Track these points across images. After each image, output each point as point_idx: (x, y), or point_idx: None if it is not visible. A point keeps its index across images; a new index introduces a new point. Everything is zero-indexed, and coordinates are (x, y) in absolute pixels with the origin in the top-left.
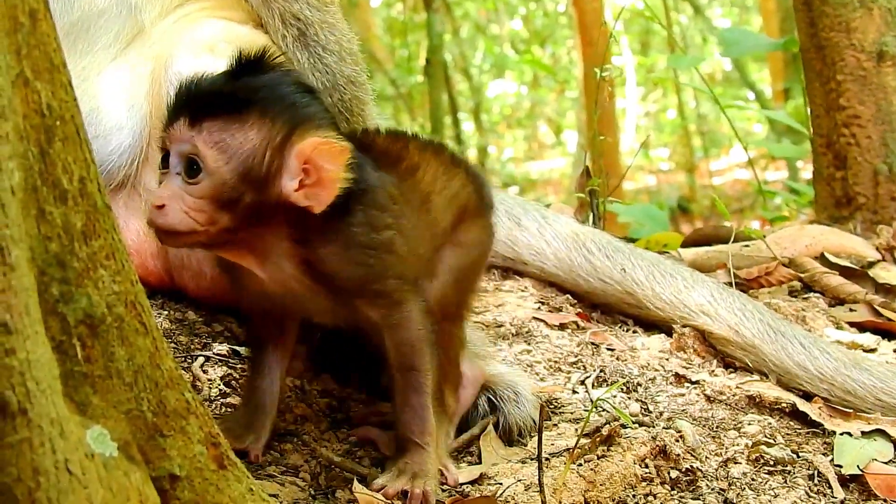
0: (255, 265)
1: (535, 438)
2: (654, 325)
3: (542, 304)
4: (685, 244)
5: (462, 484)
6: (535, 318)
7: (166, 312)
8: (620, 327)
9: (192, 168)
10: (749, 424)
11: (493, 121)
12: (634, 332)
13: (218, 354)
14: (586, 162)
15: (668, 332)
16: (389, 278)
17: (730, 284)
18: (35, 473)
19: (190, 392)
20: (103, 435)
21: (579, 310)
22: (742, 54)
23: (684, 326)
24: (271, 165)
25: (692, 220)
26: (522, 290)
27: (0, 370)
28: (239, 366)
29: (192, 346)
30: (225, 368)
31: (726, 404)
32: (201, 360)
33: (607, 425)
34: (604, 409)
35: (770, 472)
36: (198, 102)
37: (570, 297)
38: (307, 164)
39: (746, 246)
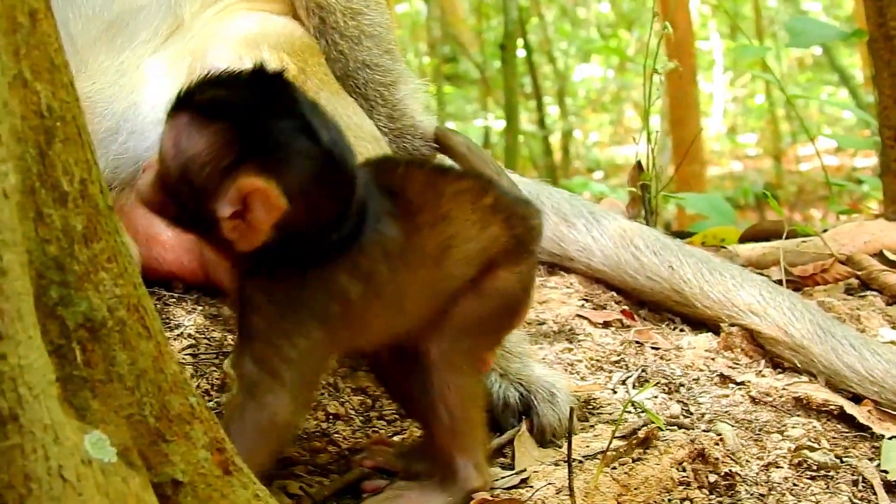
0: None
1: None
2: (702, 323)
3: (587, 301)
4: (743, 239)
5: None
6: (578, 315)
7: (201, 308)
8: (667, 325)
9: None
10: (793, 427)
11: (579, 105)
12: (681, 330)
13: None
14: (650, 149)
15: (716, 331)
16: (261, 356)
17: (781, 282)
18: (26, 480)
19: (195, 396)
20: (102, 440)
21: (625, 307)
22: (810, 45)
23: (732, 325)
24: (209, 180)
25: (779, 206)
26: (568, 287)
27: None
28: None
29: (226, 343)
30: None
31: (772, 406)
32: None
33: (644, 427)
34: (643, 410)
35: (812, 478)
36: (189, 92)
37: (616, 295)
38: (247, 199)
39: (804, 242)
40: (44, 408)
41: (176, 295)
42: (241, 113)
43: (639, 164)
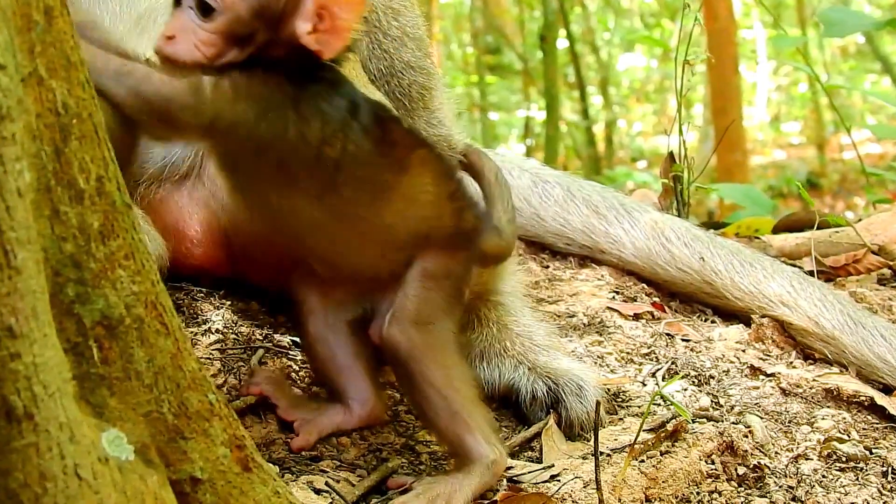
0: None
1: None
2: (733, 315)
3: (617, 293)
4: (776, 229)
5: (518, 476)
6: (608, 307)
7: (229, 302)
8: (699, 317)
9: (206, 4)
10: (823, 419)
11: (623, 94)
12: (713, 322)
13: (278, 346)
14: (682, 140)
15: (747, 323)
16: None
17: (812, 273)
18: (42, 478)
19: (214, 393)
20: (119, 438)
21: (655, 299)
22: (845, 34)
23: (763, 317)
24: (287, 4)
25: (822, 195)
26: (599, 279)
27: (5, 375)
28: (299, 357)
29: (254, 338)
30: (284, 360)
31: (802, 398)
32: (261, 352)
33: (673, 420)
34: (671, 403)
35: (842, 469)
36: None
37: (647, 287)
38: (322, 9)
39: (836, 232)
40: (59, 406)
41: (204, 290)
42: None
43: (671, 154)
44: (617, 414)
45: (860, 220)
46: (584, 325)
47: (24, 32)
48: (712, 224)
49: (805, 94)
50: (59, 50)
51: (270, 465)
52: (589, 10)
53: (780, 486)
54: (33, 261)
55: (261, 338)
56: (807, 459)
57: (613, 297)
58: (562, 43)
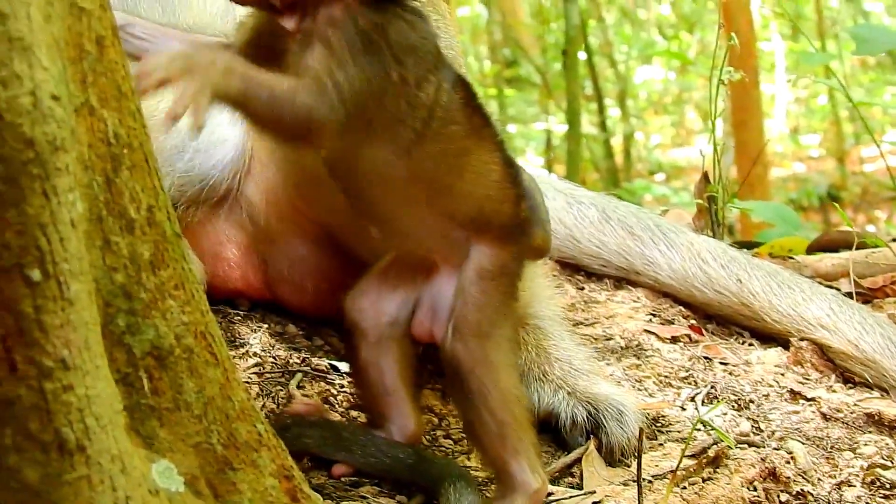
0: None
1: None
2: (771, 337)
3: (654, 316)
4: (811, 249)
5: (558, 502)
6: (646, 330)
7: (266, 326)
8: (736, 339)
9: None
10: (865, 445)
11: (640, 107)
12: (750, 344)
13: (316, 370)
14: (717, 160)
15: (786, 346)
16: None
17: (850, 295)
18: None
19: (262, 423)
20: (169, 469)
21: (693, 322)
22: (876, 52)
23: (802, 340)
24: None
25: (842, 208)
26: (635, 301)
27: (58, 407)
28: (337, 381)
29: (291, 362)
30: (323, 384)
31: (843, 423)
32: (299, 376)
33: (714, 446)
34: (712, 428)
35: (886, 496)
36: None
37: (684, 309)
38: None
39: (873, 253)
40: (111, 438)
41: (241, 313)
42: None
43: (705, 175)
44: (657, 439)
45: (895, 239)
46: (621, 348)
47: (76, 62)
48: (745, 244)
49: (825, 107)
50: (111, 79)
51: (317, 495)
52: (607, 23)
53: None
54: (86, 292)
55: (298, 361)
56: (850, 486)
57: (650, 320)
58: (580, 55)
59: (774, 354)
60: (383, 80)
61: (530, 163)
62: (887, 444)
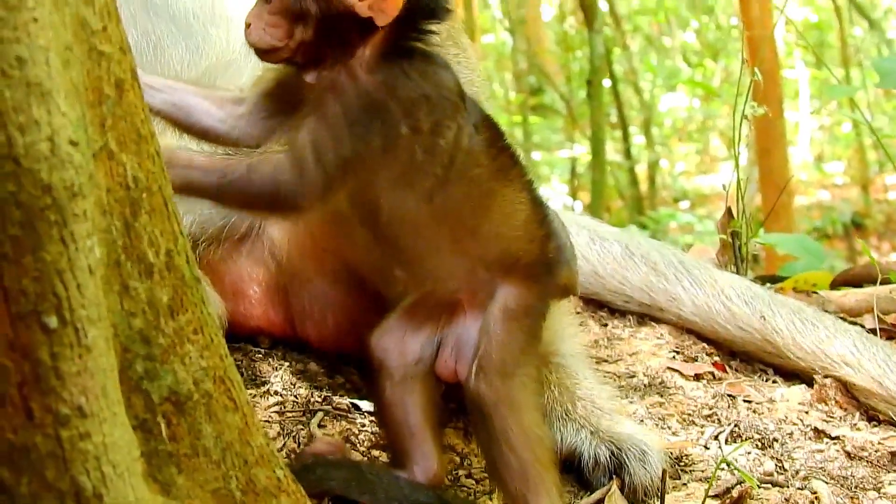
0: None
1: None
2: (794, 374)
3: (678, 353)
4: (835, 284)
5: None
6: (669, 368)
7: (287, 364)
8: (759, 377)
9: None
10: (890, 484)
11: (665, 134)
12: (774, 381)
13: (337, 409)
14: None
15: (810, 383)
16: (330, 150)
17: (874, 331)
18: None
19: (282, 468)
20: None
21: (716, 359)
22: None
23: (826, 377)
24: None
25: (866, 236)
26: (658, 338)
27: (74, 455)
28: (359, 420)
29: (312, 400)
30: (344, 423)
31: (867, 461)
32: (321, 414)
33: (738, 486)
34: (736, 468)
35: None
36: None
37: (707, 346)
38: None
39: None
40: (128, 486)
41: (262, 351)
42: None
43: (729, 210)
44: (680, 479)
45: None
46: (644, 385)
47: (95, 106)
48: (769, 278)
49: (848, 135)
50: (130, 123)
51: None
52: (631, 51)
53: None
54: (103, 338)
55: (320, 400)
56: None
57: (674, 357)
58: (605, 83)
59: (798, 392)
60: (389, 136)
61: (555, 190)
62: None
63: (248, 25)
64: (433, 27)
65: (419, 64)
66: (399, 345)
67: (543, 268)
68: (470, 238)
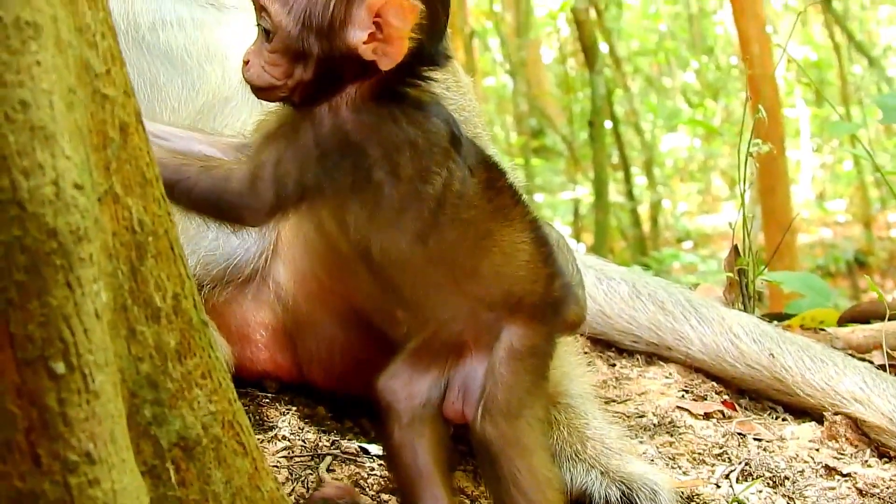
0: None
1: None
2: (804, 411)
3: (687, 392)
4: (842, 321)
5: None
6: (678, 407)
7: (295, 408)
8: (769, 414)
9: (265, 25)
10: None
11: (667, 175)
12: (784, 419)
13: (346, 453)
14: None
15: (820, 420)
16: (292, 177)
17: (884, 367)
18: None
19: None
20: None
21: (725, 397)
22: None
23: (836, 414)
24: (336, 13)
25: (869, 273)
26: (667, 377)
27: (83, 501)
28: (367, 464)
29: (321, 445)
30: (353, 467)
31: (879, 498)
32: (329, 459)
33: None
34: None
35: None
36: None
37: (716, 384)
38: (378, 17)
39: None
40: None
41: (269, 395)
42: None
43: (735, 248)
44: None
45: None
46: (654, 425)
47: (100, 150)
48: (776, 316)
49: (850, 172)
50: (135, 166)
51: None
52: (632, 92)
53: None
54: (111, 383)
55: (328, 444)
56: None
57: (683, 396)
58: (606, 124)
59: (808, 429)
60: (361, 177)
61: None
62: None
63: (246, 62)
64: (431, 73)
65: (409, 109)
66: (406, 387)
67: (549, 307)
68: (470, 279)
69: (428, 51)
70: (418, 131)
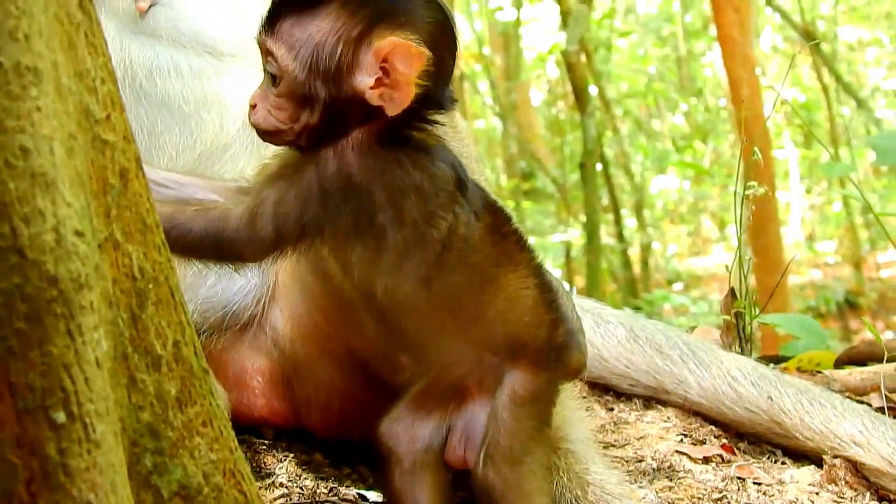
0: None
1: None
2: (803, 455)
3: (686, 436)
4: (839, 363)
5: None
6: (677, 451)
7: (292, 454)
8: (768, 458)
9: (272, 70)
10: None
11: (657, 217)
12: (783, 463)
13: (344, 500)
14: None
15: (819, 463)
16: (293, 218)
17: (882, 409)
18: None
19: None
20: None
21: (724, 441)
22: (894, 162)
23: (835, 457)
24: (343, 58)
25: (860, 315)
26: (665, 421)
27: None
28: None
29: (318, 492)
30: None
31: None
32: None
33: None
34: None
35: None
36: (277, 6)
37: (715, 428)
38: (385, 63)
39: None
40: None
41: (267, 442)
42: None
43: (732, 291)
44: None
45: None
46: (653, 469)
47: (100, 196)
48: (773, 358)
49: (840, 213)
50: (135, 213)
51: None
52: (622, 134)
53: None
54: (112, 433)
55: (326, 491)
56: None
57: (681, 440)
58: (596, 166)
59: (808, 473)
60: (364, 220)
61: None
62: None
63: (252, 106)
64: (437, 118)
65: (415, 153)
66: (408, 432)
67: (553, 353)
68: (474, 324)
69: (434, 95)
70: (424, 175)
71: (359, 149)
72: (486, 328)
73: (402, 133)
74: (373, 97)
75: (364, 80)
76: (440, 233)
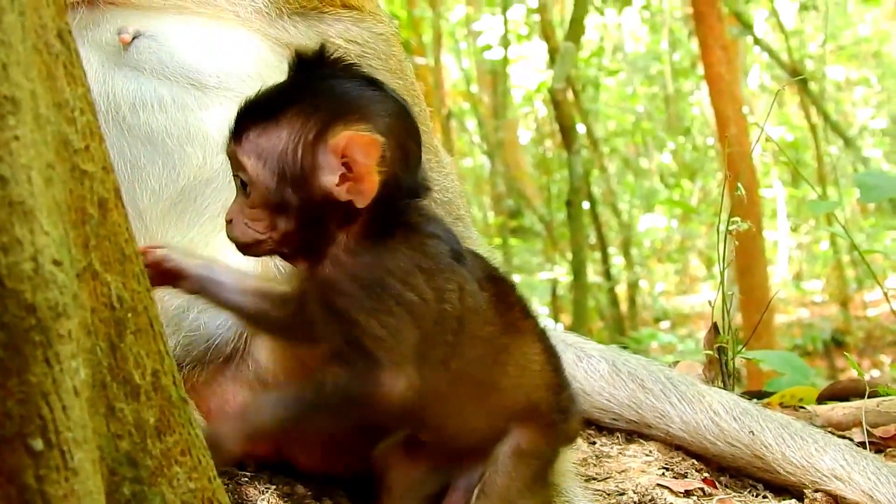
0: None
1: None
2: (784, 489)
3: (667, 469)
4: (821, 398)
5: None
6: (659, 485)
7: (274, 487)
8: (750, 492)
9: (243, 181)
10: None
11: (644, 255)
12: (764, 497)
13: None
14: (726, 311)
15: (800, 498)
16: (377, 329)
17: (864, 444)
18: None
19: None
20: None
21: (706, 475)
22: (882, 199)
23: (816, 491)
24: (305, 161)
25: (847, 353)
26: (647, 455)
27: None
28: None
29: None
30: None
31: None
32: None
33: None
34: None
35: None
36: (241, 117)
37: (697, 462)
38: (345, 157)
39: (885, 401)
40: None
41: (248, 474)
42: (302, 93)
43: (715, 326)
44: None
45: None
46: (634, 503)
47: (78, 226)
48: (755, 394)
49: (826, 252)
50: (114, 243)
51: None
52: (609, 172)
53: None
54: (90, 461)
55: None
56: None
57: (663, 474)
58: (583, 204)
59: None
60: (408, 305)
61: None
62: None
63: (229, 221)
64: (415, 203)
65: (404, 238)
66: (406, 477)
67: (558, 415)
68: (490, 394)
69: (405, 182)
70: (419, 255)
71: (348, 251)
72: (501, 396)
73: (385, 225)
74: (341, 193)
75: (329, 179)
76: (453, 307)
